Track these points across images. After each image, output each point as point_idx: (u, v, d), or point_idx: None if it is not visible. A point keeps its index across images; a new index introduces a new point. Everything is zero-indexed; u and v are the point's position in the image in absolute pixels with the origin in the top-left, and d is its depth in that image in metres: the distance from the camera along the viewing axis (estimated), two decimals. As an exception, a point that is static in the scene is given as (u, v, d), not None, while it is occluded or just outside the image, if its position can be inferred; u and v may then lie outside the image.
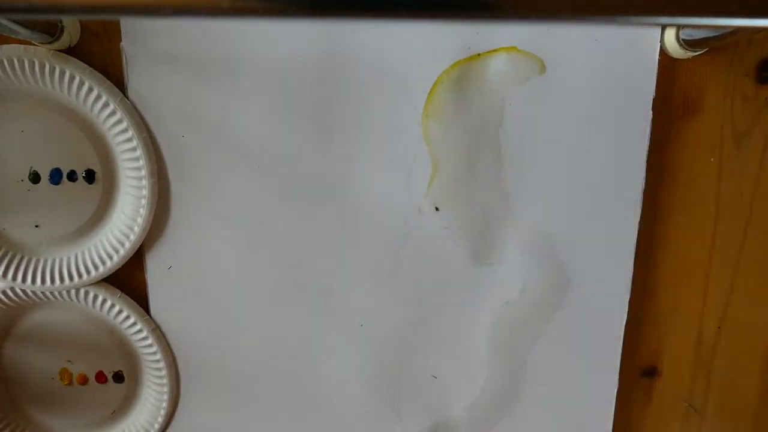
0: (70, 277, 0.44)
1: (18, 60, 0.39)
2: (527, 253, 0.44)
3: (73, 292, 0.45)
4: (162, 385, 0.48)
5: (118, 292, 0.45)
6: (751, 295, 0.46)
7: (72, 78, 0.40)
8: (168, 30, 0.41)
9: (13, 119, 0.41)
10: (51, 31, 0.39)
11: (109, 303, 0.45)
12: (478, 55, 0.41)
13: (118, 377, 0.49)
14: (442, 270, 0.45)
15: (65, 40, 0.40)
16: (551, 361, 0.47)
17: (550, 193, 0.44)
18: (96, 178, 0.43)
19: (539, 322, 0.46)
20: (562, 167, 0.43)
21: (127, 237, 0.43)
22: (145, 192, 0.42)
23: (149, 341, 0.46)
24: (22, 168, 0.42)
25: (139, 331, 0.46)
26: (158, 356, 0.47)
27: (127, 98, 0.42)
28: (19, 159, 0.42)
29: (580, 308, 0.45)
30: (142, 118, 0.42)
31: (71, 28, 0.40)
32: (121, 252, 0.43)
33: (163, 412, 0.48)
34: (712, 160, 0.44)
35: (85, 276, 0.44)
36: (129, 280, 0.46)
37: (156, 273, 0.45)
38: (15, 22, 0.35)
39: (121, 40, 0.41)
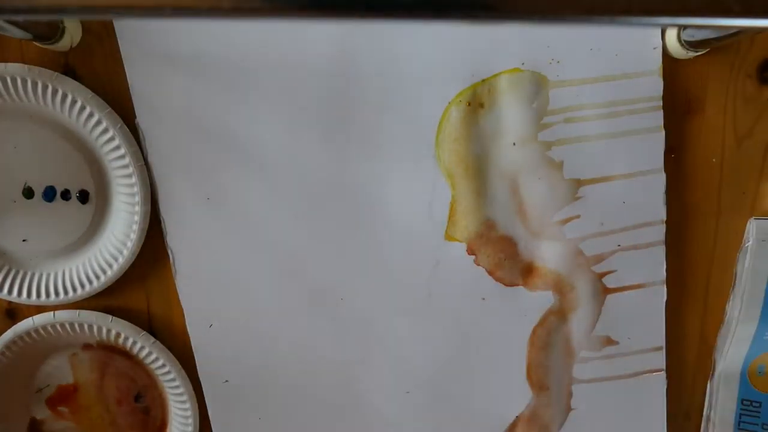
0: (55, 293, 0.44)
1: (21, 79, 0.39)
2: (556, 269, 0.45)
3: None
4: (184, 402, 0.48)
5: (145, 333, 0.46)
6: (752, 297, 0.46)
7: (74, 102, 0.41)
8: (166, 30, 0.41)
9: (9, 136, 0.42)
10: (52, 32, 0.39)
11: (131, 340, 0.46)
12: (483, 81, 0.42)
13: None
14: (474, 295, 0.45)
15: (66, 41, 0.40)
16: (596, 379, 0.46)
17: (569, 210, 0.44)
18: (89, 198, 0.44)
19: (575, 341, 0.46)
20: (580, 183, 0.43)
21: (116, 259, 0.44)
22: (137, 218, 0.43)
23: (172, 376, 0.47)
24: (16, 183, 0.43)
25: (162, 365, 0.47)
26: (172, 374, 0.47)
27: (127, 126, 0.42)
28: (13, 174, 0.43)
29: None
30: (140, 146, 0.42)
31: (72, 28, 0.40)
32: (109, 273, 0.44)
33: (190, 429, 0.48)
34: (713, 160, 0.44)
35: (71, 293, 0.44)
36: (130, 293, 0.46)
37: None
38: (15, 22, 0.35)
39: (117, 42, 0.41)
